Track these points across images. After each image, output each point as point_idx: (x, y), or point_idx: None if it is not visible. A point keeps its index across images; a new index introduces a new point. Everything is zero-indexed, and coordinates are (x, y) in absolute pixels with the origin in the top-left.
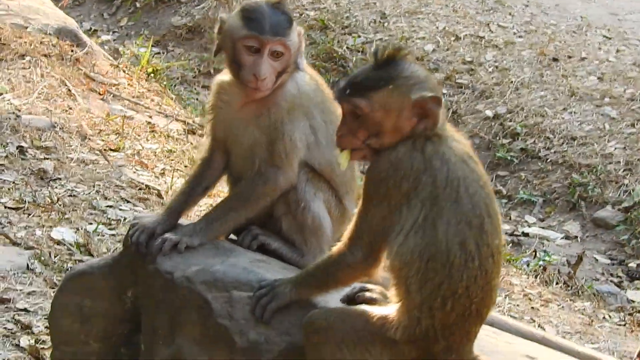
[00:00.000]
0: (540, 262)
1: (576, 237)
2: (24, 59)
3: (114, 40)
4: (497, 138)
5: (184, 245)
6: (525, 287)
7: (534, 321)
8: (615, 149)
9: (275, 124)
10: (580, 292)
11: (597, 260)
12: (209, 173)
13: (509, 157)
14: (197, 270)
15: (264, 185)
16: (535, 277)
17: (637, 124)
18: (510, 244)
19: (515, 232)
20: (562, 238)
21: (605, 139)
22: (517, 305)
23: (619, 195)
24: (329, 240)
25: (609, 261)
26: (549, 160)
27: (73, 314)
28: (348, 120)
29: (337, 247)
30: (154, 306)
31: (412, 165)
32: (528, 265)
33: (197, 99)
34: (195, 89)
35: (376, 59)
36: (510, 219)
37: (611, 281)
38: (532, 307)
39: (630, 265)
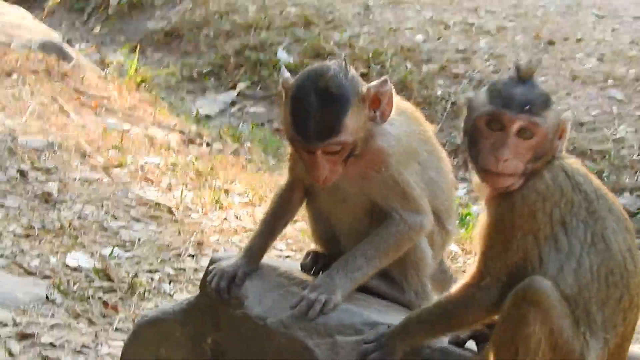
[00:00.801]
0: None
1: None
2: (10, 77)
3: (90, 48)
4: None
5: (331, 305)
6: None
7: None
8: (627, 132)
9: (392, 179)
10: None
11: None
12: (289, 211)
13: None
14: (293, 314)
15: (410, 230)
16: None
17: None
18: None
19: None
20: None
21: (614, 123)
22: None
23: (636, 180)
24: (430, 273)
25: None
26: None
27: None
28: (513, 142)
29: (462, 288)
30: (243, 355)
31: (561, 190)
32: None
33: (187, 106)
34: (180, 94)
35: (520, 76)
36: None
37: None
38: None
39: None
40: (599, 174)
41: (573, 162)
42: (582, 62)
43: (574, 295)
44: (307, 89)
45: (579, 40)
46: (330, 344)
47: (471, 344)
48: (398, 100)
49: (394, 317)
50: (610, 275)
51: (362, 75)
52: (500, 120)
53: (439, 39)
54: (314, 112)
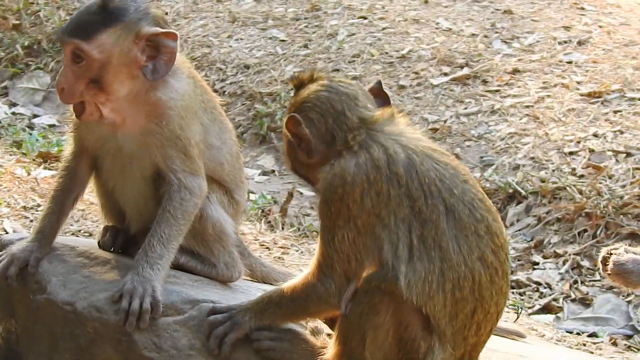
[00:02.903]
0: (256, 205)
1: (273, 170)
2: None
3: None
4: None
5: (159, 307)
6: (257, 236)
7: None
8: (293, 72)
9: (173, 133)
10: (307, 232)
11: (302, 193)
12: (78, 184)
13: None
14: (107, 297)
15: (192, 195)
16: (260, 221)
17: (310, 45)
18: None
19: None
20: (260, 174)
21: (280, 64)
22: (260, 257)
23: None
24: (234, 240)
25: (314, 194)
26: (226, 92)
27: None
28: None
29: (305, 276)
30: (48, 343)
31: (367, 177)
32: (244, 211)
33: None
34: None
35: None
36: None
37: None
38: (275, 257)
39: None
40: (271, 117)
41: (399, 144)
42: (239, 3)
43: (418, 302)
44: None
45: None
46: (150, 327)
47: None
48: (188, 65)
49: (210, 292)
50: (457, 290)
51: (14, 26)
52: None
53: None
54: (80, 13)
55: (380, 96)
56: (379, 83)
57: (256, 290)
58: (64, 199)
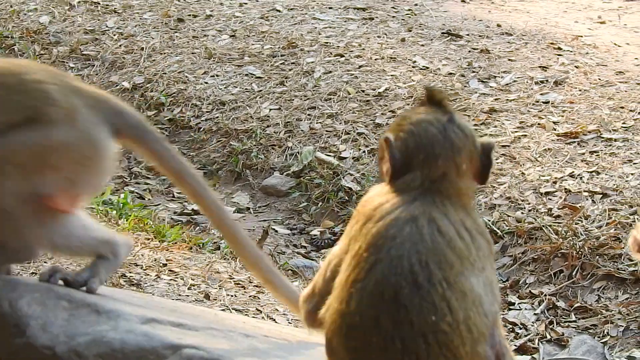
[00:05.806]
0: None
1: (248, 208)
2: None
3: None
4: (141, 110)
5: None
6: (233, 274)
7: (261, 312)
8: (270, 110)
9: None
10: (282, 270)
11: (277, 231)
12: None
13: (158, 130)
14: (87, 341)
15: None
16: (235, 260)
17: (286, 82)
18: (181, 224)
19: (185, 211)
20: (234, 212)
21: (256, 101)
22: (235, 296)
23: (286, 159)
24: None
25: (289, 231)
26: (201, 129)
27: None
28: None
29: None
30: None
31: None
32: (219, 248)
33: None
34: None
35: None
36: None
37: (298, 253)
38: (250, 296)
39: (312, 233)
40: (247, 154)
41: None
42: (215, 39)
43: None
44: None
45: (208, 16)
46: None
47: None
48: None
49: (195, 338)
50: None
51: None
52: None
53: (64, 20)
54: None
55: None
56: None
57: (238, 336)
58: None
